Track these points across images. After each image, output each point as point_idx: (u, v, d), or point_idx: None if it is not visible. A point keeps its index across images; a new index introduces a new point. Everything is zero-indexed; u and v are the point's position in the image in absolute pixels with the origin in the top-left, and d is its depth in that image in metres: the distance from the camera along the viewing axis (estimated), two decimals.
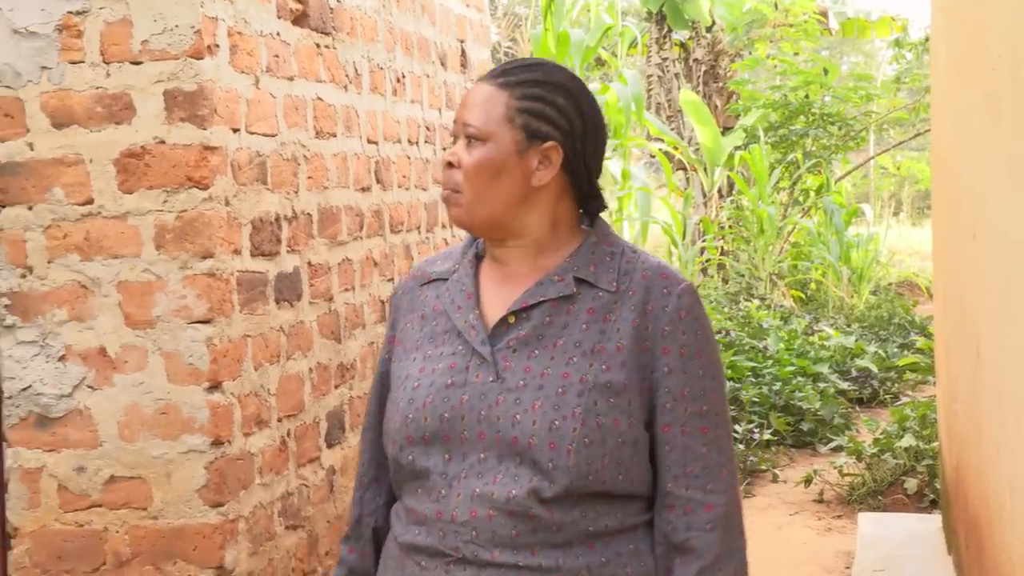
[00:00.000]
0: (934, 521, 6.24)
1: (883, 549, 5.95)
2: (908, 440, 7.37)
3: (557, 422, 2.14)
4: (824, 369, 9.46)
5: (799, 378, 9.05)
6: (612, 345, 2.20)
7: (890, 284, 15.73)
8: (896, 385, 10.24)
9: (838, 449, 8.22)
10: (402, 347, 2.36)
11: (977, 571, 4.37)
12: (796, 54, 14.86)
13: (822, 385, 9.19)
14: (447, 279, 2.35)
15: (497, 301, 2.29)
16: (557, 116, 2.25)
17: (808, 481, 7.47)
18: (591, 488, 2.15)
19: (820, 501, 7.34)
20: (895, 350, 10.86)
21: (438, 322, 2.31)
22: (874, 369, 10.03)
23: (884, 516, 6.67)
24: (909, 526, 6.35)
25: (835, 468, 7.58)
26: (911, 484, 7.13)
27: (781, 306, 12.73)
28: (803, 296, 13.88)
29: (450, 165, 2.28)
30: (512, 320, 2.25)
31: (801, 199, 14.93)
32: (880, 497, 7.16)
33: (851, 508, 7.08)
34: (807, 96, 14.08)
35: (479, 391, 2.21)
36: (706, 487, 2.18)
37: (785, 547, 6.50)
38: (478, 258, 2.37)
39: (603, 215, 2.40)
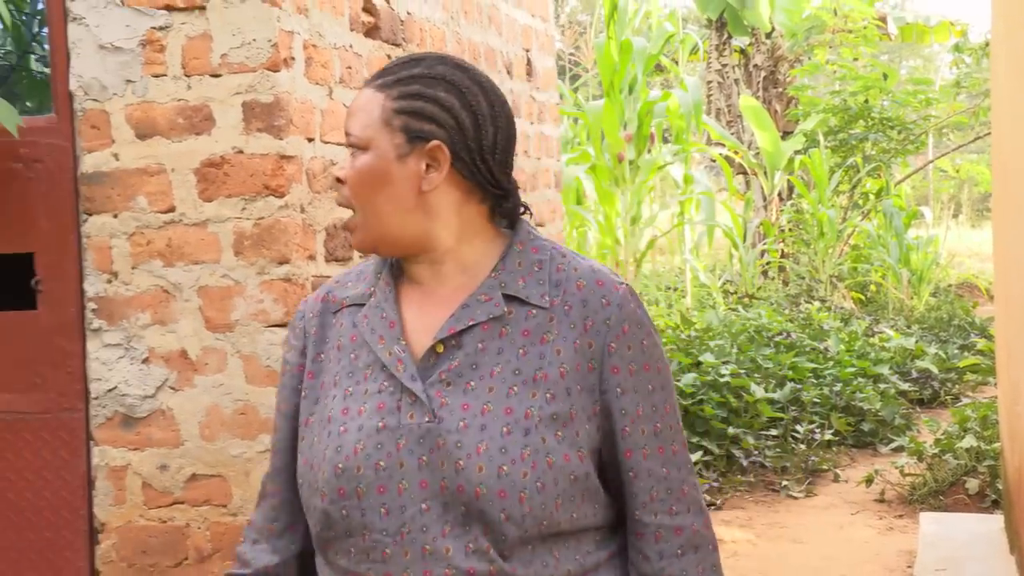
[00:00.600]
0: (996, 521, 6.19)
1: (945, 549, 5.90)
2: (969, 441, 7.30)
3: (506, 467, 1.90)
4: (884, 370, 9.39)
5: (860, 379, 8.99)
6: (554, 371, 1.96)
7: (950, 286, 15.60)
8: (956, 386, 10.16)
9: (899, 449, 8.16)
10: (317, 381, 2.06)
11: None
12: (855, 59, 14.73)
13: (882, 386, 9.13)
14: (363, 304, 2.05)
15: (422, 328, 2.00)
16: (439, 112, 1.98)
17: (869, 481, 7.43)
18: (546, 531, 1.93)
19: (881, 501, 7.29)
20: (955, 351, 10.77)
21: (358, 355, 2.02)
22: (934, 370, 9.95)
23: (945, 516, 6.62)
24: (971, 526, 6.29)
25: (896, 468, 7.52)
26: (972, 484, 7.06)
27: (841, 308, 12.66)
28: (863, 298, 13.79)
29: (338, 181, 2.04)
30: (441, 349, 1.97)
31: (861, 202, 14.83)
32: (941, 497, 7.10)
33: (912, 508, 7.03)
34: (866, 101, 13.98)
35: (415, 434, 1.93)
36: (672, 510, 2.02)
37: (846, 546, 6.47)
38: (394, 276, 2.08)
39: (526, 216, 2.13)
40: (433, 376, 1.95)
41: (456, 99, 1.99)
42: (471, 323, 1.97)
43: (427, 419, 1.92)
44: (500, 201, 2.06)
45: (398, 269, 2.07)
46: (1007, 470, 5.85)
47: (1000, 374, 6.33)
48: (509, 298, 1.99)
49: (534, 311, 1.99)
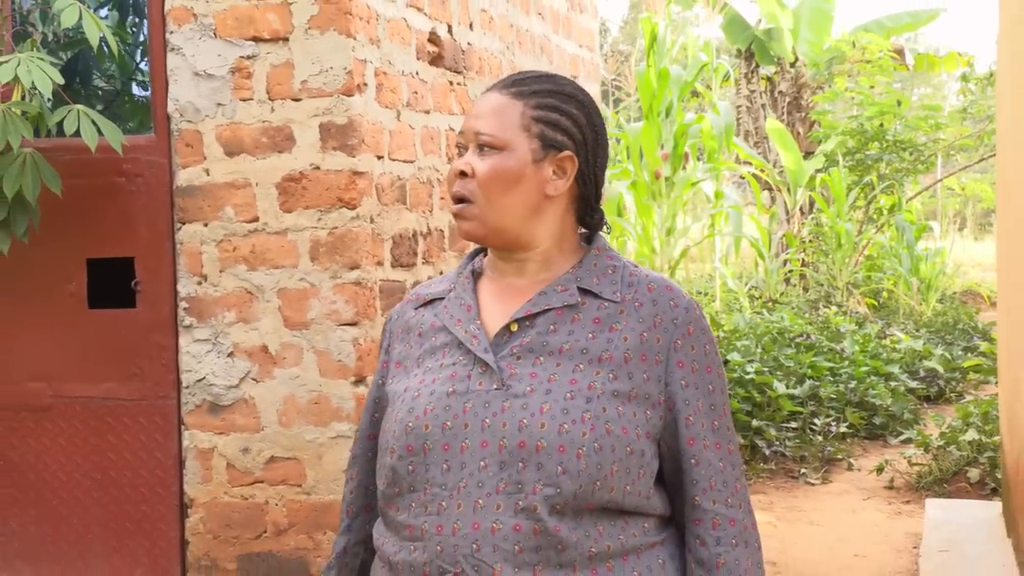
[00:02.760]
0: (995, 508, 6.14)
1: (948, 531, 5.86)
2: (971, 434, 7.24)
3: (567, 425, 1.86)
4: (895, 369, 9.32)
5: (872, 377, 8.93)
6: (619, 354, 1.93)
7: (955, 293, 15.45)
8: (960, 385, 10.07)
9: (907, 441, 8.10)
10: (401, 368, 2.04)
11: None
12: (872, 87, 14.62)
13: (893, 384, 9.06)
14: (444, 298, 2.05)
15: (498, 312, 2.00)
16: (571, 126, 1.99)
17: (880, 469, 7.37)
18: (598, 498, 1.87)
19: (891, 488, 7.23)
20: (959, 353, 10.67)
21: (437, 337, 2.01)
22: (940, 370, 9.86)
23: (949, 502, 6.57)
24: (972, 511, 6.25)
25: (905, 458, 7.46)
26: (974, 474, 7.00)
27: (856, 312, 12.57)
28: (876, 304, 13.68)
29: (462, 174, 1.98)
30: (514, 328, 1.95)
31: (875, 217, 14.71)
32: (945, 485, 7.04)
33: (919, 495, 6.97)
34: (881, 125, 13.88)
35: (483, 399, 1.90)
36: (727, 501, 1.97)
37: (859, 529, 6.43)
38: (475, 275, 2.08)
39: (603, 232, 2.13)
40: (505, 351, 1.93)
41: (584, 117, 2.02)
42: (546, 308, 1.95)
43: (495, 386, 1.90)
44: (590, 213, 2.08)
45: (479, 268, 2.08)
46: (1006, 461, 5.80)
47: (1001, 373, 6.27)
48: (583, 291, 1.98)
49: (606, 303, 1.97)
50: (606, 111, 13.03)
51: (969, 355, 10.62)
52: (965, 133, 15.00)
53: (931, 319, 12.53)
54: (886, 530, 6.39)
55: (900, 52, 16.81)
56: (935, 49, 17.54)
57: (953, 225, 21.71)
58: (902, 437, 8.27)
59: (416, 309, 2.07)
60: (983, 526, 5.90)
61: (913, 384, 9.44)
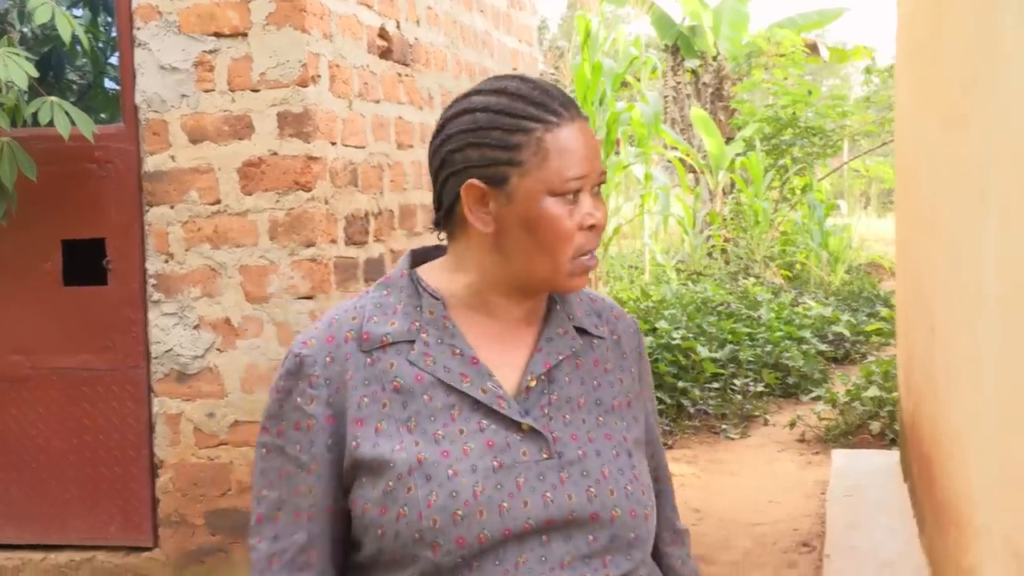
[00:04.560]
0: (893, 456, 6.20)
1: (852, 478, 5.91)
2: (873, 391, 7.31)
3: (629, 487, 1.53)
4: (807, 334, 9.39)
5: (786, 341, 8.99)
6: (623, 399, 1.62)
7: (860, 265, 15.56)
8: (864, 347, 10.16)
9: (817, 399, 8.17)
10: (368, 428, 1.49)
11: (928, 498, 4.34)
12: (785, 78, 14.67)
13: (805, 347, 9.13)
14: (412, 341, 1.52)
15: (504, 362, 1.55)
16: None
17: (793, 424, 7.43)
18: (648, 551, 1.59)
19: (802, 441, 7.29)
20: (864, 318, 10.77)
21: (432, 395, 1.50)
22: (847, 334, 9.96)
23: (853, 452, 6.63)
24: (873, 460, 6.30)
25: (814, 414, 7.54)
26: (875, 426, 7.08)
27: (772, 283, 12.64)
28: (790, 275, 13.76)
29: (592, 228, 1.51)
30: (533, 384, 1.54)
31: (789, 196, 14.79)
32: (850, 437, 7.11)
33: (827, 446, 7.03)
34: (794, 112, 13.95)
35: (535, 471, 1.48)
36: (679, 517, 1.78)
37: (774, 478, 6.48)
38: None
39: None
40: (536, 411, 1.52)
41: None
42: (560, 357, 1.57)
43: (545, 455, 1.50)
44: None
45: (437, 298, 1.55)
46: (902, 415, 5.86)
47: (899, 337, 6.32)
48: (577, 330, 1.62)
49: (595, 341, 1.63)
50: None
51: (872, 320, 10.72)
52: (869, 120, 15.10)
53: (839, 288, 12.63)
54: (798, 478, 6.44)
55: (814, 47, 16.89)
56: (843, 44, 17.57)
57: (859, 203, 21.83)
58: (812, 395, 8.34)
59: (369, 353, 1.51)
60: (883, 473, 5.96)
61: (823, 347, 9.52)
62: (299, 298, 3.89)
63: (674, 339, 8.11)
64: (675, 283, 11.66)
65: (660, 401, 7.56)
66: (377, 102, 4.46)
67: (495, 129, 1.47)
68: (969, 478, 3.08)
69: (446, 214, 1.55)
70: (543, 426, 1.51)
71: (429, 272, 1.59)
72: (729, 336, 8.73)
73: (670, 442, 7.20)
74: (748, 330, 9.02)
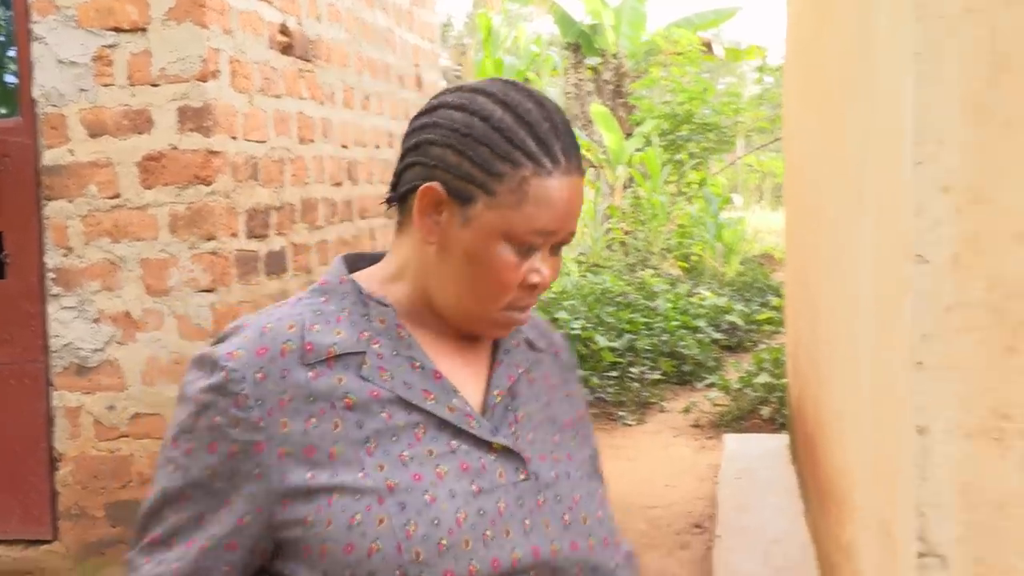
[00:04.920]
0: (782, 440, 6.31)
1: (743, 461, 5.99)
2: (764, 377, 7.42)
3: (600, 513, 1.40)
4: (702, 323, 9.48)
5: (682, 330, 9.07)
6: (573, 416, 1.47)
7: (754, 256, 15.80)
8: (756, 335, 10.29)
9: (711, 385, 8.26)
10: (321, 454, 1.25)
11: (812, 478, 4.43)
12: (683, 76, 14.84)
13: (699, 336, 9.22)
14: (362, 352, 1.30)
15: (465, 377, 1.38)
16: None
17: (687, 410, 7.52)
18: None
19: (696, 426, 7.37)
20: (756, 308, 10.91)
21: (391, 413, 1.28)
22: (740, 323, 10.08)
23: (745, 436, 6.71)
24: (763, 443, 6.40)
25: (708, 400, 7.63)
26: (766, 411, 7.18)
27: (669, 274, 12.76)
28: (687, 266, 13.92)
29: (534, 286, 1.33)
30: (499, 399, 1.37)
31: (686, 190, 14.96)
32: (742, 421, 7.20)
33: (720, 431, 7.12)
34: (690, 109, 14.12)
35: (513, 494, 1.31)
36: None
37: (669, 462, 6.54)
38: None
39: None
40: (504, 429, 1.35)
41: None
42: (520, 370, 1.42)
43: (522, 476, 1.33)
44: None
45: (386, 306, 1.35)
46: (790, 399, 5.96)
47: (787, 325, 6.43)
48: (526, 342, 1.47)
49: (539, 355, 1.49)
50: None
51: (764, 310, 10.87)
52: (762, 117, 15.33)
53: (733, 279, 12.78)
54: (692, 462, 6.52)
55: (709, 45, 17.09)
56: (737, 43, 17.83)
57: (753, 197, 22.17)
58: (706, 382, 8.43)
59: (312, 367, 1.28)
60: (772, 455, 6.05)
61: (717, 336, 9.62)
62: (200, 291, 3.84)
63: (574, 329, 8.15)
64: (575, 275, 11.71)
65: None
66: (278, 97, 4.42)
67: (485, 145, 1.27)
68: (847, 458, 3.15)
69: (400, 198, 1.36)
70: (514, 445, 1.34)
71: (368, 280, 1.38)
72: (627, 326, 8.79)
73: None
74: (645, 320, 9.09)
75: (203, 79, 3.81)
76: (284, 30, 4.50)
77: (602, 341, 8.09)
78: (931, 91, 1.84)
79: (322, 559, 1.24)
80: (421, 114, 1.35)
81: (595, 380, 7.84)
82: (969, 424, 1.86)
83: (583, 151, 14.84)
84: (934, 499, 1.89)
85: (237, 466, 1.25)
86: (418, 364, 1.32)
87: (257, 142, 4.19)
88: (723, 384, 7.69)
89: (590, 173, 15.61)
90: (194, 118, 3.82)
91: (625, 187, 15.38)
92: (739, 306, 10.52)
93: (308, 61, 4.74)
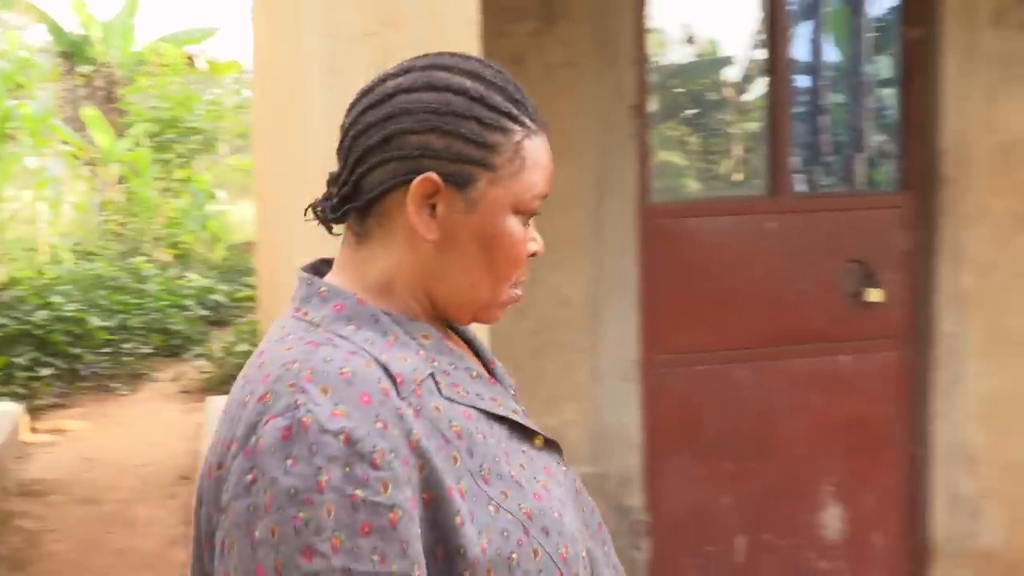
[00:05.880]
0: None
1: None
2: (244, 347, 7.40)
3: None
4: (190, 302, 9.31)
5: (171, 309, 8.84)
6: None
7: (238, 244, 15.63)
8: (238, 311, 10.21)
9: (199, 356, 8.13)
10: (459, 494, 0.96)
11: None
12: (169, 86, 14.36)
13: (187, 313, 9.05)
14: (432, 374, 1.02)
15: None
16: None
17: (176, 379, 7.37)
18: None
19: (185, 392, 7.24)
20: (238, 287, 10.83)
21: (483, 431, 1.02)
22: (224, 301, 10.00)
23: (226, 397, 6.69)
24: None
25: (195, 368, 7.52)
26: None
27: (160, 261, 12.32)
28: (177, 253, 13.49)
29: (531, 257, 1.09)
30: (513, 391, 1.16)
31: (174, 186, 14.51)
32: (226, 385, 7.14)
33: (206, 395, 7.03)
34: (177, 115, 13.79)
35: (570, 489, 1.11)
36: None
37: (159, 425, 6.37)
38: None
39: None
40: (531, 421, 1.11)
41: None
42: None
43: (564, 468, 1.11)
44: None
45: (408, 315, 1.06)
46: None
47: (259, 302, 6.47)
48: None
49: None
50: None
51: (244, 289, 10.84)
52: (241, 123, 15.25)
53: (219, 264, 12.60)
54: (180, 424, 6.38)
55: (192, 59, 16.66)
56: (217, 59, 17.53)
57: (237, 193, 21.92)
58: (194, 352, 8.28)
59: (407, 401, 0.97)
60: None
61: (204, 313, 9.45)
62: None
63: (67, 311, 7.65)
64: (70, 263, 10.95)
65: (54, 367, 7.10)
66: None
67: (471, 119, 1.01)
68: None
69: (365, 206, 1.03)
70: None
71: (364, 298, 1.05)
72: (119, 307, 8.40)
73: (66, 403, 6.78)
74: (138, 301, 8.73)
75: None
76: None
77: (95, 321, 7.67)
78: (339, 98, 1.92)
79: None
80: (368, 108, 1.04)
81: (89, 357, 7.41)
82: None
83: (75, 150, 13.91)
84: None
85: (403, 534, 0.89)
86: (475, 373, 1.06)
87: None
88: (208, 354, 7.58)
89: (83, 170, 14.65)
90: None
91: (121, 182, 14.58)
92: (223, 286, 10.40)
93: None
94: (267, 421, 0.90)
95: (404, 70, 1.05)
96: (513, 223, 1.03)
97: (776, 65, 3.50)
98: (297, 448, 0.88)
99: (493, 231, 1.02)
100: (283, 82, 3.51)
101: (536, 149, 1.04)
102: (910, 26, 3.56)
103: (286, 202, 3.62)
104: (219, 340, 8.12)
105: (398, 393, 0.95)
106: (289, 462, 0.87)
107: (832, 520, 3.53)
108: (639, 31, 3.27)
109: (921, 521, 3.61)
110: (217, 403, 6.38)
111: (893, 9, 3.73)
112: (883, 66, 4.17)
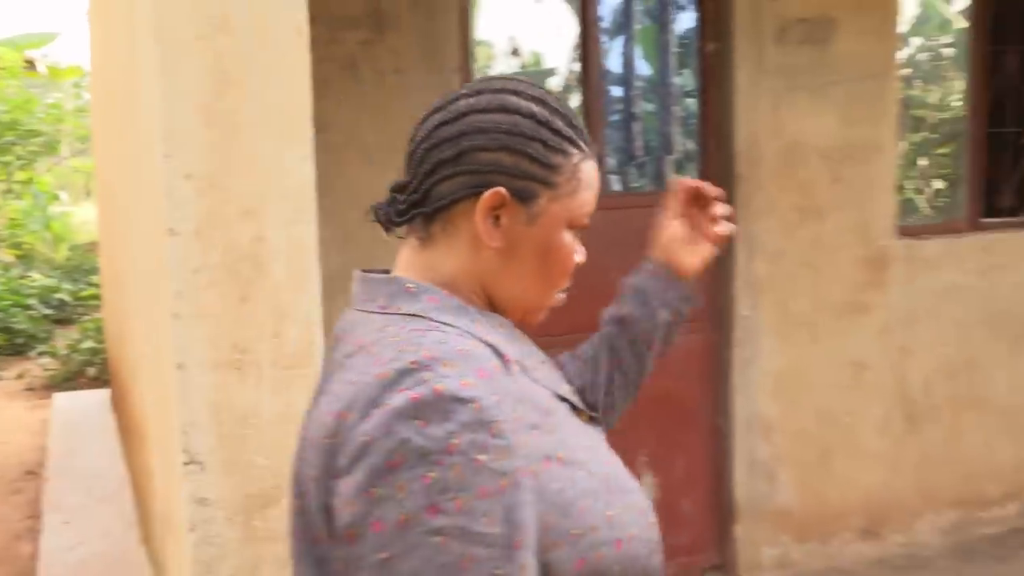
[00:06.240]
0: (106, 393, 6.11)
1: (71, 415, 5.76)
2: (89, 343, 7.15)
3: None
4: (34, 302, 8.85)
5: (14, 308, 8.38)
6: None
7: (83, 244, 14.91)
8: (83, 309, 9.79)
9: (44, 353, 7.74)
10: (566, 453, 1.02)
11: (127, 421, 4.36)
12: (7, 89, 13.56)
13: (31, 312, 8.60)
14: (519, 359, 1.08)
15: None
16: None
17: (20, 376, 6.99)
18: None
19: (31, 390, 6.89)
20: (83, 286, 10.36)
21: (556, 410, 1.07)
22: (69, 299, 9.53)
23: (74, 394, 6.44)
24: (90, 398, 6.19)
25: (40, 366, 7.15)
26: (92, 371, 6.93)
27: (3, 261, 11.63)
28: (19, 253, 12.76)
29: (576, 267, 1.14)
30: None
31: (15, 188, 13.73)
32: (71, 382, 6.86)
33: (52, 391, 6.72)
34: (16, 118, 13.08)
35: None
36: None
37: (9, 422, 6.04)
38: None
39: None
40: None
41: None
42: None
43: (607, 445, 1.15)
44: None
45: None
46: (110, 359, 5.79)
47: (104, 299, 6.22)
48: None
49: None
50: None
51: (88, 287, 10.38)
52: (82, 126, 14.55)
53: (63, 263, 12.00)
54: (26, 421, 6.07)
55: (33, 63, 15.79)
56: (59, 63, 16.65)
57: (80, 194, 20.88)
58: (39, 350, 7.88)
59: (513, 381, 1.02)
60: (97, 407, 5.86)
61: (48, 311, 9.01)
62: None
63: None
64: None
65: None
66: None
67: (537, 141, 1.05)
68: (144, 399, 3.13)
69: (432, 213, 1.06)
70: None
71: None
72: None
73: None
74: None
75: None
76: None
77: None
78: (173, 100, 1.87)
79: (599, 564, 0.98)
80: (441, 124, 1.06)
81: None
82: (217, 358, 1.94)
83: None
84: (193, 419, 1.94)
85: (515, 500, 0.91)
86: (543, 359, 1.12)
87: None
88: (53, 351, 7.23)
89: None
90: None
91: None
92: (67, 285, 9.91)
93: None
94: (397, 391, 0.91)
95: (476, 91, 1.08)
96: (567, 236, 1.08)
97: (590, 76, 3.60)
98: (430, 413, 0.90)
99: (550, 243, 1.07)
100: (119, 85, 3.39)
101: (590, 171, 1.08)
102: (707, 40, 3.72)
103: (125, 202, 3.49)
104: (64, 338, 7.74)
105: (505, 373, 1.00)
106: (419, 423, 0.89)
107: (646, 488, 3.67)
108: (464, 42, 3.30)
109: (725, 485, 3.80)
110: (63, 399, 6.12)
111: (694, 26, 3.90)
112: (688, 78, 4.35)
